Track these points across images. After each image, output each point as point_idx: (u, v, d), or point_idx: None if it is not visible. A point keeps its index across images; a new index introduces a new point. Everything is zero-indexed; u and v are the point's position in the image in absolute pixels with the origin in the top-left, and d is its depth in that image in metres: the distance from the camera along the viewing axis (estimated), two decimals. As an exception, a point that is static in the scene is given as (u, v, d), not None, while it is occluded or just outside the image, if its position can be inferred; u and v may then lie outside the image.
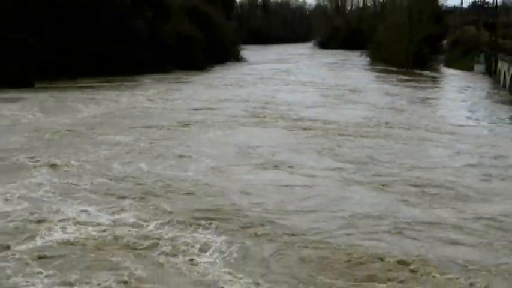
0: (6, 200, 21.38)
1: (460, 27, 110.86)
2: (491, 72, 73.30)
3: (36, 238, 17.48)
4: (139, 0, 67.91)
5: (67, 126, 36.65)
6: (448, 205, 20.83)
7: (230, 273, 15.06)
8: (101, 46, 60.04)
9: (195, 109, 44.97)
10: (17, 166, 26.37)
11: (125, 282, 14.65)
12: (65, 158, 27.90)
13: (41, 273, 14.91)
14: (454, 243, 17.30)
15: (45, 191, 22.53)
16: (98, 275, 14.90)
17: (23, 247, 16.63)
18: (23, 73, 53.41)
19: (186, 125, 37.90)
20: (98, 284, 14.35)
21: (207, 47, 75.85)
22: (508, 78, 60.27)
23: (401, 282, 14.57)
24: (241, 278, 14.77)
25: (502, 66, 66.48)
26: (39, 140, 32.19)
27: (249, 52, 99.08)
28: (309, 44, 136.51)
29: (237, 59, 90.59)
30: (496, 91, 60.96)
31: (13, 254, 16.10)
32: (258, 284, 14.44)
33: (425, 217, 19.43)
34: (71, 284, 14.29)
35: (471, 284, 14.54)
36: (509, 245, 17.43)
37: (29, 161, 27.16)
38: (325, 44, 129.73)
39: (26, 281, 14.44)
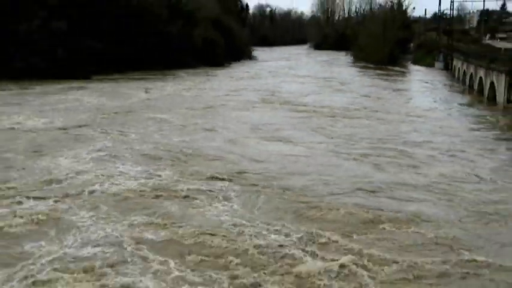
0: (76, 160, 22.11)
1: (424, 33, 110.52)
2: (448, 68, 73.15)
3: (96, 187, 18.31)
4: (174, 12, 67.95)
5: (121, 107, 36.91)
6: (411, 171, 21.02)
7: (236, 210, 16.27)
8: (145, 47, 59.96)
9: (219, 96, 44.84)
10: (82, 136, 26.83)
11: (158, 217, 15.45)
12: (119, 130, 28.51)
13: (94, 213, 15.67)
14: (414, 200, 17.50)
15: (103, 154, 23.13)
16: (138, 213, 15.75)
17: (85, 195, 17.46)
18: (83, 68, 53.34)
19: (213, 107, 38.03)
20: (136, 220, 15.09)
21: (226, 48, 76.06)
22: (461, 72, 60.43)
23: (371, 230, 14.87)
24: (243, 212, 16.12)
25: (456, 63, 66.69)
26: (99, 117, 32.50)
27: (258, 52, 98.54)
28: (306, 46, 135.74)
29: (250, 57, 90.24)
30: (451, 83, 60.93)
31: (77, 200, 16.90)
32: (253, 213, 16.01)
33: (393, 179, 19.63)
34: (115, 221, 14.95)
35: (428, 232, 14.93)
36: (462, 201, 17.69)
37: (92, 133, 27.69)
38: (318, 46, 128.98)
39: (82, 219, 15.12)
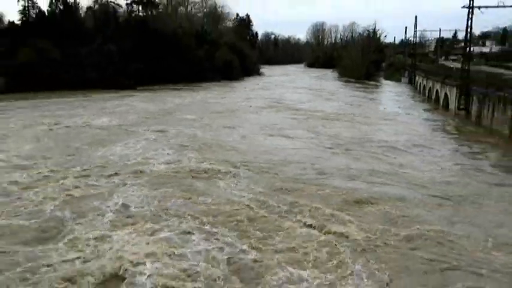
0: (127, 147, 23.02)
1: (393, 55, 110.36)
2: (411, 82, 73.16)
3: (139, 167, 19.21)
4: (201, 40, 68.53)
5: (160, 110, 37.25)
6: (384, 161, 21.40)
7: (242, 185, 17.10)
8: (180, 65, 60.52)
9: (236, 102, 44.94)
10: (132, 131, 27.35)
11: (188, 191, 16.35)
12: (159, 127, 28.96)
13: (136, 188, 16.62)
14: (381, 183, 17.85)
15: (146, 143, 23.88)
16: (172, 188, 16.61)
17: (131, 172, 18.52)
18: (130, 81, 53.67)
19: (231, 110, 38.29)
20: (167, 189, 16.48)
21: (241, 66, 76.23)
22: (422, 86, 60.51)
23: (348, 204, 15.47)
24: (247, 187, 16.86)
25: (418, 79, 66.68)
26: (144, 118, 32.93)
27: (265, 69, 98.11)
28: (301, 65, 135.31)
29: (258, 73, 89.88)
30: (414, 94, 60.91)
31: (125, 175, 18.00)
32: (252, 188, 16.71)
33: (366, 167, 19.90)
34: (154, 196, 15.75)
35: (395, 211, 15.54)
36: (416, 183, 18.31)
37: (139, 129, 28.14)
38: (311, 64, 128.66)
39: (128, 188, 16.57)
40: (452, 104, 39.85)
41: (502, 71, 52.26)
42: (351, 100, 49.28)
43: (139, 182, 17.25)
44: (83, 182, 17.07)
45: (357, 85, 70.25)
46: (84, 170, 18.81)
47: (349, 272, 10.92)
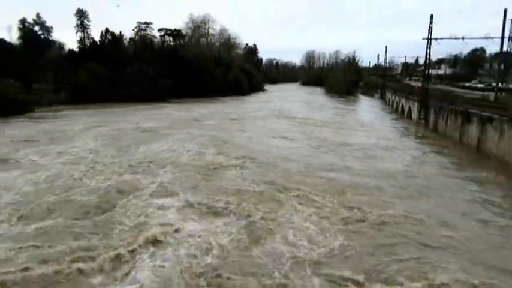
0: (161, 146, 23.08)
1: (368, 76, 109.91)
2: (383, 97, 72.74)
3: (168, 160, 19.31)
4: (217, 63, 68.35)
5: (188, 117, 37.38)
6: (362, 161, 21.20)
7: (247, 174, 17.16)
8: (201, 83, 60.58)
9: (245, 111, 44.86)
10: (165, 134, 27.37)
11: (203, 174, 16.93)
12: (187, 130, 28.93)
13: (169, 172, 16.99)
14: (360, 175, 18.00)
15: (175, 143, 23.80)
16: (193, 173, 17.16)
17: (161, 163, 18.62)
18: (163, 95, 53.52)
19: (241, 118, 38.34)
20: (195, 174, 16.86)
21: (249, 84, 76.00)
22: (391, 100, 60.36)
23: (332, 192, 15.43)
24: (251, 176, 16.72)
25: (388, 95, 66.46)
26: (175, 123, 32.93)
27: (268, 87, 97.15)
28: (297, 84, 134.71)
29: (263, 90, 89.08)
30: (384, 107, 60.64)
31: (156, 165, 18.26)
32: (255, 180, 16.33)
33: (349, 165, 19.89)
34: (182, 177, 16.46)
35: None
36: (389, 176, 18.31)
37: (169, 131, 28.20)
38: (304, 83, 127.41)
39: (159, 173, 17.11)
40: (415, 115, 39.81)
41: (453, 89, 52.32)
42: (336, 111, 49.17)
43: (170, 169, 17.72)
44: (130, 169, 17.59)
45: (340, 99, 69.98)
46: (131, 160, 19.27)
47: (330, 237, 11.19)
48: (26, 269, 9.25)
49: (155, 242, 10.70)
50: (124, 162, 18.77)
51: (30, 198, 13.66)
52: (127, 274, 9.31)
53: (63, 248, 10.17)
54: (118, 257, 9.83)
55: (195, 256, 10.03)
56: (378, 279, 9.26)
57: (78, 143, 23.40)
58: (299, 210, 13.03)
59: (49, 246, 10.25)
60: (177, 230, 11.38)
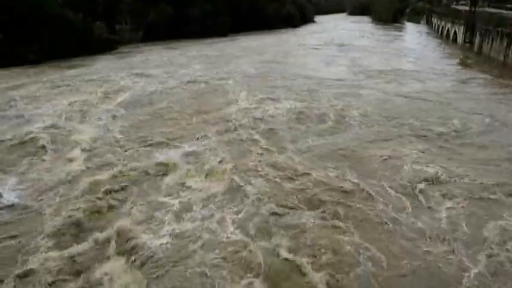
0: (241, 63, 25.94)
1: (415, 3, 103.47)
2: (428, 23, 70.22)
3: (245, 72, 22.19)
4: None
5: (254, 47, 37.98)
6: (409, 76, 23.79)
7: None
8: (257, 18, 59.83)
9: (298, 40, 43.58)
10: (241, 55, 29.31)
11: (269, 86, 19.67)
12: (254, 56, 31.86)
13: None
14: (407, 93, 20.18)
15: (249, 62, 26.40)
16: (257, 82, 21.88)
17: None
18: (222, 30, 53.80)
19: (299, 45, 39.04)
20: (257, 82, 21.80)
21: (300, 16, 73.70)
22: (436, 26, 58.90)
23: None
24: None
25: (434, 20, 64.32)
26: (244, 51, 33.47)
27: (317, 18, 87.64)
28: (344, 14, 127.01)
29: (313, 21, 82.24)
30: (429, 31, 59.52)
31: (237, 75, 23.76)
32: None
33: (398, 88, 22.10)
34: (252, 80, 21.21)
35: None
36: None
37: (243, 56, 29.38)
38: (351, 13, 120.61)
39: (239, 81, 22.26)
40: (460, 39, 39.58)
41: (500, 11, 49.77)
42: (383, 38, 49.12)
43: (243, 79, 22.78)
44: (218, 77, 23.34)
45: (386, 26, 68.17)
46: (217, 74, 24.52)
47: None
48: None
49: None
50: (213, 73, 24.74)
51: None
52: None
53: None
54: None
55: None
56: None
57: (172, 68, 27.62)
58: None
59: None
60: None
